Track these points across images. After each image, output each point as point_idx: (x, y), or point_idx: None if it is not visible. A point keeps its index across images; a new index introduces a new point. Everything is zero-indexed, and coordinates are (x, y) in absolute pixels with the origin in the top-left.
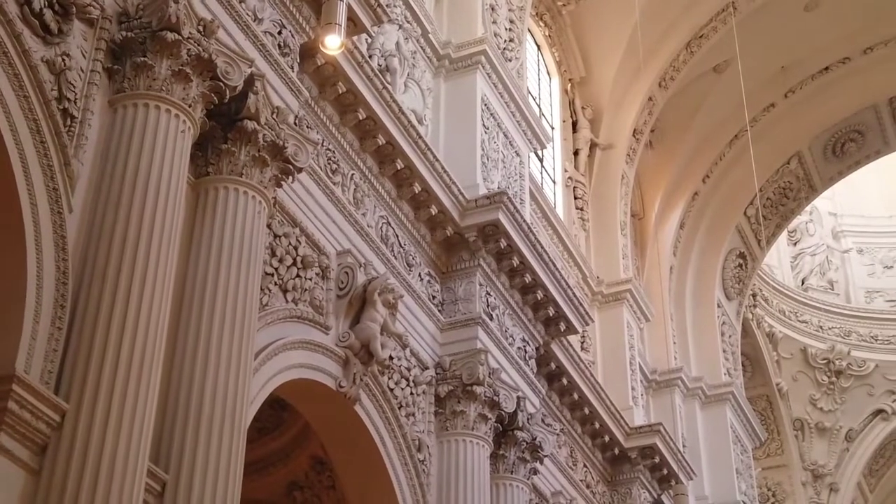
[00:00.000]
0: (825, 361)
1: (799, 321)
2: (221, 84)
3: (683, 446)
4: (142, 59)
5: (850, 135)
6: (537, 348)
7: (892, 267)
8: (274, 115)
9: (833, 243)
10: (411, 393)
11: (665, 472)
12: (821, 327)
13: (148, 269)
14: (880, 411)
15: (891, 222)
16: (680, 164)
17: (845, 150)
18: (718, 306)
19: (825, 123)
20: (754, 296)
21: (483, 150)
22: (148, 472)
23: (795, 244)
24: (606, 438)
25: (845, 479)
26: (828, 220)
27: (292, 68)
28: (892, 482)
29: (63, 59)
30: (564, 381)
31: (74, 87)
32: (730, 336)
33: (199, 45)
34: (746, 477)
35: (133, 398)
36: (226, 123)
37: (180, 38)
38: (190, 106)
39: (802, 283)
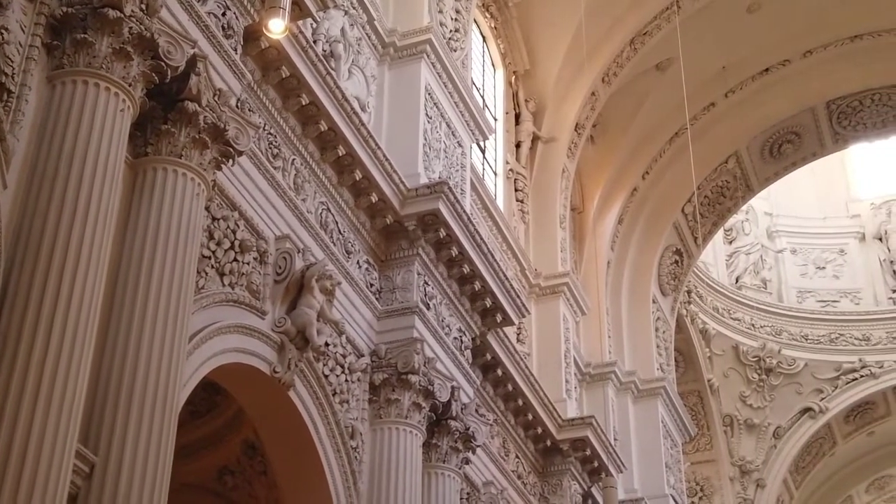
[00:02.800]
0: (756, 359)
1: (732, 319)
2: (163, 64)
3: (615, 439)
4: (82, 35)
5: (788, 136)
6: (473, 339)
7: (824, 268)
8: (216, 98)
9: (768, 243)
10: (346, 380)
11: (596, 464)
12: (753, 325)
13: (82, 247)
14: (808, 409)
15: (824, 224)
16: (620, 159)
17: (782, 151)
18: (654, 302)
19: (763, 124)
20: (689, 292)
21: (425, 139)
22: (76, 454)
23: (731, 242)
24: (539, 430)
25: (772, 476)
26: (763, 219)
27: (236, 51)
28: (817, 479)
29: (1, 33)
30: (499, 372)
31: (12, 61)
32: (664, 332)
33: (141, 23)
34: (675, 471)
35: (63, 378)
36: (166, 104)
37: (122, 15)
38: (130, 85)
39: (736, 281)
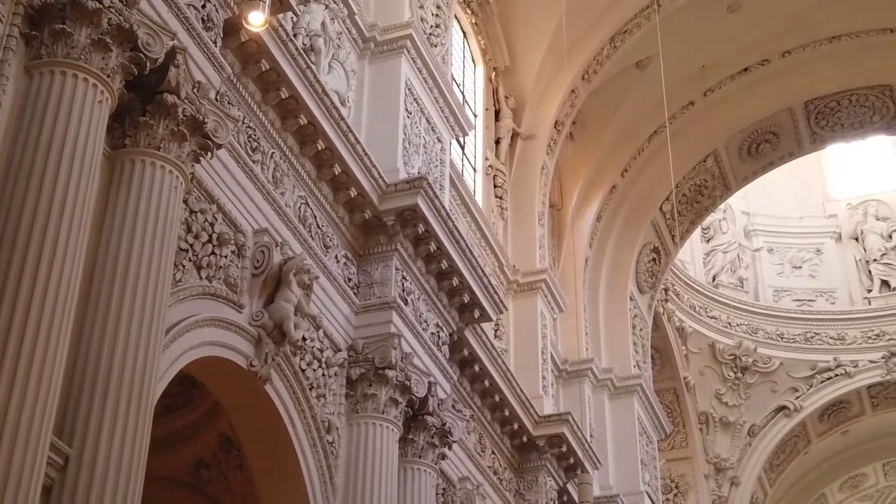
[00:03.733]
0: (732, 357)
1: (708, 317)
2: (142, 56)
3: (591, 436)
4: (60, 26)
5: (766, 136)
6: (451, 334)
7: (800, 267)
8: (195, 90)
9: (745, 242)
10: (323, 374)
11: (571, 460)
12: (729, 324)
13: (59, 239)
14: (783, 408)
15: (801, 223)
16: (599, 157)
17: (760, 150)
18: (631, 299)
19: (742, 123)
20: (666, 290)
21: (405, 134)
22: (51, 446)
23: (708, 241)
24: (515, 426)
25: (746, 474)
26: (741, 218)
27: (215, 43)
28: (791, 477)
29: None
30: (476, 367)
31: None
32: (641, 329)
33: (120, 14)
34: (651, 468)
35: (38, 370)
36: (145, 96)
37: (101, 6)
38: (109, 76)
39: (713, 279)
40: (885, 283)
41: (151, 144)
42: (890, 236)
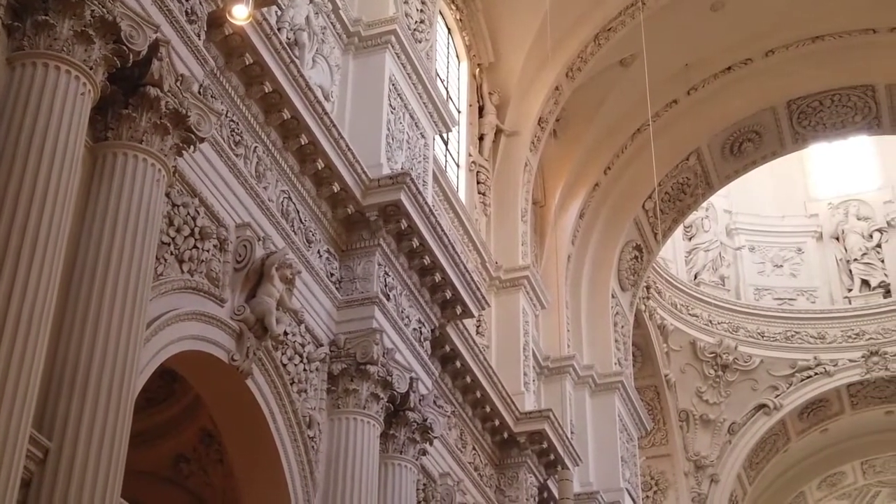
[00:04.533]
0: (713, 355)
1: (690, 315)
2: (125, 48)
3: (571, 433)
4: (43, 17)
5: (748, 135)
6: (433, 330)
7: (781, 266)
8: (178, 83)
9: (726, 240)
10: (304, 369)
11: (552, 457)
12: (710, 322)
13: (40, 231)
14: (763, 406)
15: (782, 222)
16: (583, 154)
17: (743, 149)
18: (613, 297)
19: (725, 122)
20: (648, 288)
21: (388, 130)
22: (30, 439)
23: (690, 239)
24: (496, 422)
25: (726, 471)
26: (723, 217)
27: (199, 36)
28: (770, 475)
29: None
30: (458, 364)
31: None
32: (622, 326)
33: (103, 6)
34: (631, 465)
35: (18, 362)
36: (128, 88)
37: None
38: (91, 68)
39: (695, 277)
40: (865, 283)
41: (134, 137)
42: (870, 236)
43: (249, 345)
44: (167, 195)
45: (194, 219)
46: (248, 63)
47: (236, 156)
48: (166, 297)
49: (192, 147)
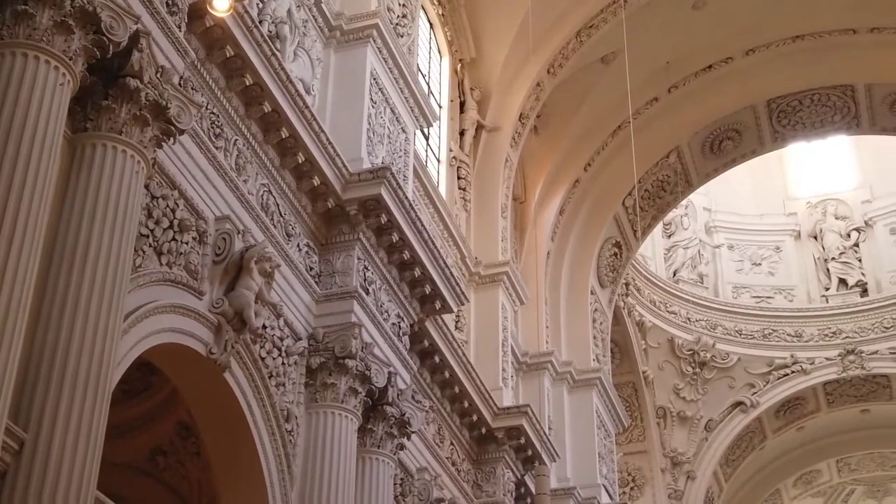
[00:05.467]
0: (691, 352)
1: (668, 312)
2: (105, 39)
3: (549, 428)
4: (23, 7)
5: (728, 133)
6: (412, 325)
7: (759, 264)
8: (158, 75)
9: (705, 238)
10: (283, 363)
11: (529, 452)
12: (689, 319)
13: (17, 222)
14: (740, 403)
15: (761, 221)
16: (563, 150)
17: (722, 147)
18: (592, 293)
19: (705, 120)
20: (627, 285)
21: (369, 124)
22: (6, 430)
23: (670, 237)
24: (474, 417)
25: (702, 468)
26: (702, 215)
27: (180, 28)
28: (746, 472)
29: None
30: (436, 359)
31: None
32: (601, 323)
33: None
34: (608, 461)
35: None
36: (108, 79)
37: None
38: (71, 59)
39: (674, 275)
40: (842, 282)
41: (113, 129)
42: (848, 235)
43: (228, 338)
44: (146, 187)
45: (173, 211)
46: (228, 55)
47: (216, 148)
48: (144, 289)
49: (171, 139)
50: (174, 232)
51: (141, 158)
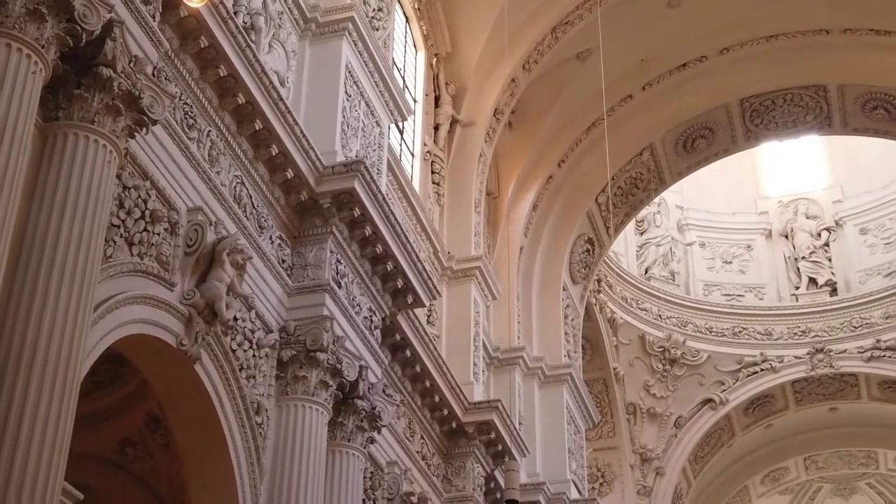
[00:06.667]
0: (661, 349)
1: (640, 309)
2: (78, 27)
3: (520, 424)
4: None
5: (702, 131)
6: (383, 319)
7: (731, 262)
8: (131, 64)
9: (678, 235)
10: (254, 355)
11: (500, 447)
12: (660, 316)
13: None
14: (709, 400)
15: (733, 219)
16: (537, 146)
17: (696, 145)
18: (564, 289)
19: (679, 118)
20: (599, 281)
21: (344, 117)
22: None
23: (642, 234)
24: (445, 412)
25: (671, 464)
26: (674, 212)
27: (154, 18)
28: (714, 469)
29: None
30: (408, 353)
31: None
32: (572, 319)
33: None
34: (578, 457)
35: None
36: (80, 68)
37: None
38: (43, 47)
39: (646, 272)
40: (812, 281)
41: (85, 118)
42: (819, 235)
43: (198, 329)
44: (118, 177)
45: (145, 202)
46: (203, 46)
47: (189, 139)
48: (115, 279)
49: (144, 129)
50: (146, 223)
51: (113, 148)
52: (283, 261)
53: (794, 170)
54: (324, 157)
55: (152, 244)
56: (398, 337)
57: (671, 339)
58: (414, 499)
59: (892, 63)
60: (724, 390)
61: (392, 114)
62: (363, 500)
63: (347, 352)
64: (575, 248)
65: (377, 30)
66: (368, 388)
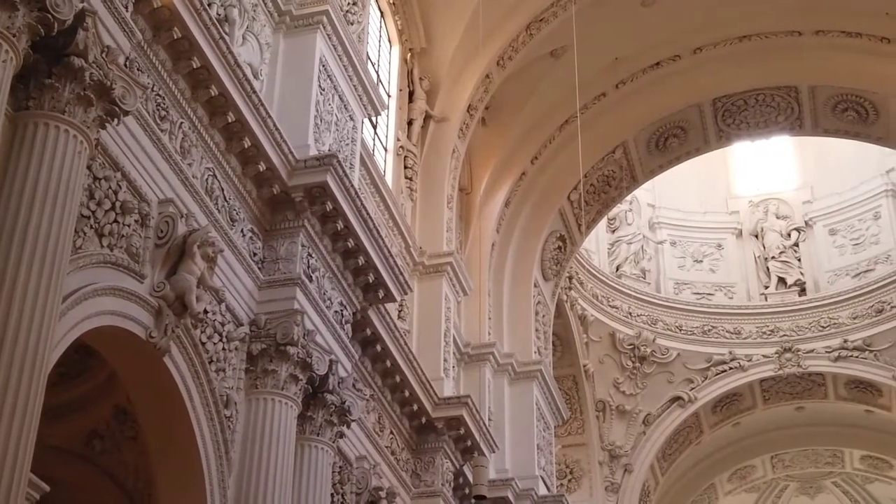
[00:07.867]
0: (631, 347)
1: (610, 306)
2: (50, 16)
3: (489, 419)
4: None
5: (674, 130)
6: (354, 313)
7: (701, 261)
8: (103, 55)
9: (649, 234)
10: (223, 348)
11: (469, 443)
12: (630, 314)
13: None
14: (678, 398)
15: (704, 218)
16: (510, 143)
17: (668, 144)
18: (535, 286)
19: (651, 117)
20: (570, 278)
21: (317, 111)
22: None
23: (614, 231)
24: (415, 407)
25: (640, 461)
26: (646, 210)
27: (127, 8)
28: (682, 466)
29: None
30: (378, 347)
31: None
32: (543, 315)
33: None
34: (547, 453)
35: None
36: (52, 58)
37: None
38: (14, 35)
39: (617, 269)
40: (781, 281)
41: (56, 108)
42: (789, 235)
43: (168, 322)
44: (89, 168)
45: (116, 193)
46: (176, 37)
47: (161, 131)
48: (84, 271)
49: (115, 120)
50: (116, 214)
51: (84, 139)
52: (255, 254)
53: (765, 170)
54: (296, 151)
55: (122, 235)
56: (369, 331)
57: (641, 337)
58: (382, 493)
59: (863, 65)
60: (692, 388)
61: (365, 108)
62: (332, 495)
63: (318, 346)
64: (547, 244)
65: (352, 24)
66: (338, 383)
